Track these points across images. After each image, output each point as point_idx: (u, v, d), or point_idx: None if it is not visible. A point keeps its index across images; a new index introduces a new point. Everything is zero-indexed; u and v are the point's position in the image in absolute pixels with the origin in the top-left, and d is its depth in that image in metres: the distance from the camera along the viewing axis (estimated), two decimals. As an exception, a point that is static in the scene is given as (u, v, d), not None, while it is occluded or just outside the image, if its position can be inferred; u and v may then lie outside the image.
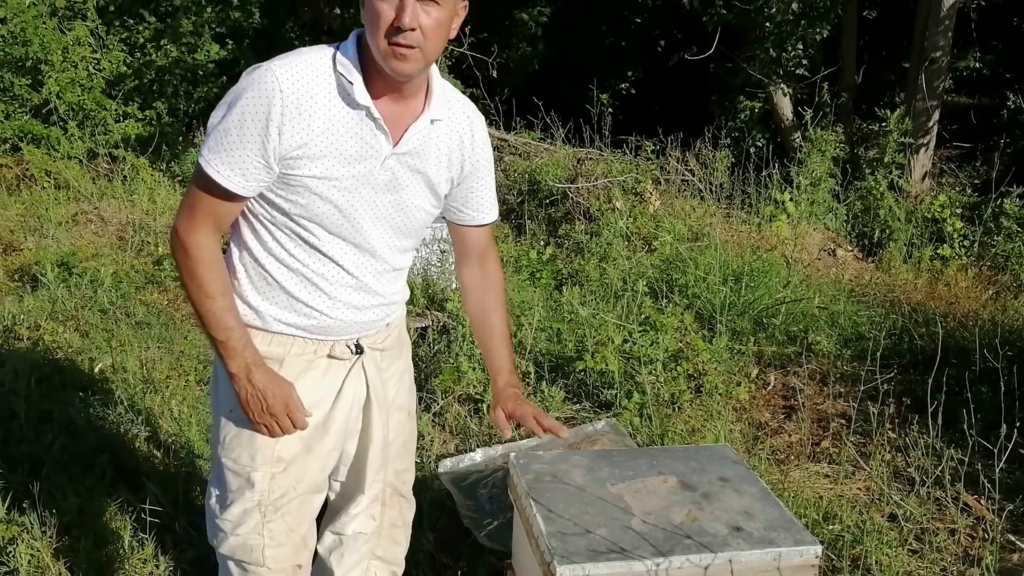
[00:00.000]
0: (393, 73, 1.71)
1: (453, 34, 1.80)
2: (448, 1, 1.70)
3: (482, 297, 2.19)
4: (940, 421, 3.45)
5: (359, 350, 1.98)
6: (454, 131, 1.92)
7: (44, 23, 7.83)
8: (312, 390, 1.92)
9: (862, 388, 3.86)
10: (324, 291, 1.87)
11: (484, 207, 2.08)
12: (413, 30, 1.65)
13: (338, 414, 1.97)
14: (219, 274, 1.82)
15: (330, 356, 1.95)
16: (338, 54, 1.76)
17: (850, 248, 6.53)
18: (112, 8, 8.65)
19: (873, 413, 3.64)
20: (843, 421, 3.92)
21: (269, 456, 1.90)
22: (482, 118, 2.02)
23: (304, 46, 1.81)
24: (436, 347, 4.31)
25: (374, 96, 1.76)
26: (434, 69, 1.87)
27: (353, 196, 1.80)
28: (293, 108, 1.69)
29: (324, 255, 1.84)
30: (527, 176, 6.79)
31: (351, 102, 1.74)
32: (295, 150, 1.72)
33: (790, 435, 3.85)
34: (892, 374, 4.13)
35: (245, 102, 1.70)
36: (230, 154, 1.72)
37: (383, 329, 2.05)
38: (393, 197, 1.86)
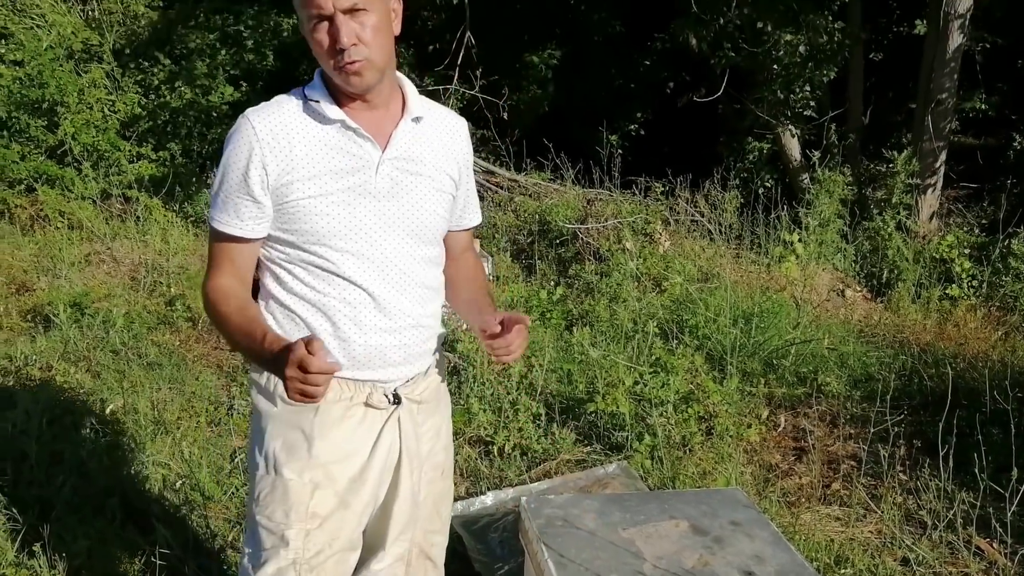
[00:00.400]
0: (354, 88, 1.80)
1: (397, 30, 1.87)
2: (377, 5, 1.77)
3: (456, 273, 2.15)
4: (951, 464, 3.44)
5: (396, 400, 1.95)
6: (441, 129, 1.98)
7: (61, 66, 7.95)
8: (348, 439, 1.90)
9: (872, 430, 3.86)
10: (349, 317, 1.86)
11: (475, 209, 2.15)
12: (355, 45, 1.74)
13: (375, 464, 1.93)
14: (232, 297, 1.85)
15: (367, 404, 1.92)
16: (306, 87, 1.87)
17: (859, 288, 6.54)
18: (128, 51, 8.78)
19: (884, 455, 3.63)
20: (853, 463, 3.90)
21: (303, 512, 1.86)
22: (464, 120, 2.07)
23: (308, 83, 1.90)
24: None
25: (348, 111, 1.83)
26: (403, 77, 1.94)
27: (355, 208, 1.82)
28: (270, 141, 1.79)
29: (342, 278, 1.84)
30: (537, 216, 6.84)
31: (325, 120, 1.82)
32: (284, 176, 1.79)
33: (800, 477, 3.83)
34: (902, 415, 4.12)
35: (228, 152, 1.83)
36: (225, 202, 1.83)
37: (421, 378, 2.01)
38: (398, 203, 1.87)
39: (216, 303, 1.86)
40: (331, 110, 1.81)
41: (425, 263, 1.95)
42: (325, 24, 1.74)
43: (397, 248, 1.88)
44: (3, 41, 8.36)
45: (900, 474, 3.71)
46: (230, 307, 1.84)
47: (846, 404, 4.42)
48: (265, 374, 1.94)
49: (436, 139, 1.96)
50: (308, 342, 1.62)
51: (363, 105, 1.85)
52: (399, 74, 1.93)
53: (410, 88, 1.93)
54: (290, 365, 1.63)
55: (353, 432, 1.91)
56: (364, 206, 1.83)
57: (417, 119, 1.91)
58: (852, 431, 4.16)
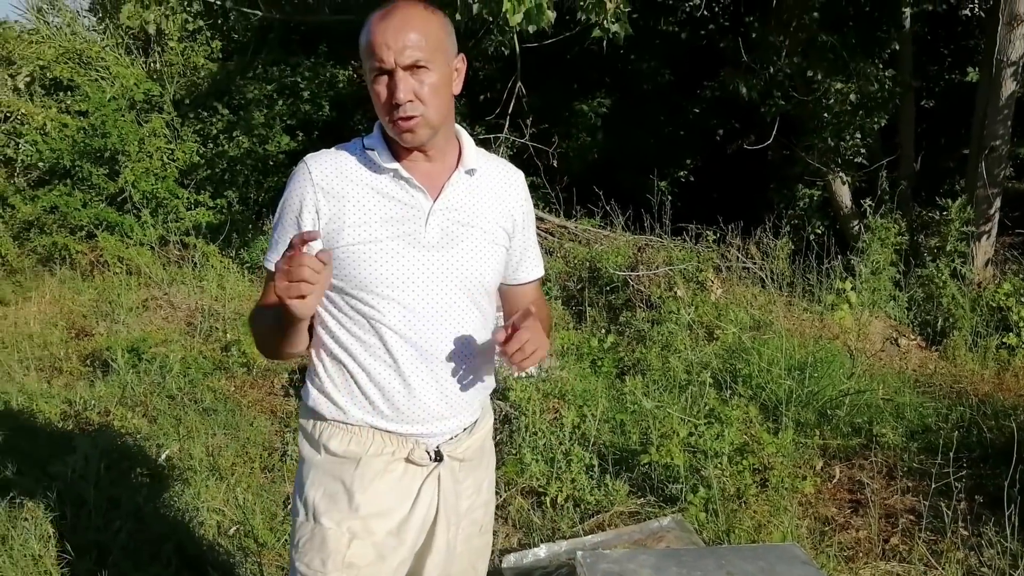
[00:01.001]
0: (406, 143, 1.83)
1: (457, 89, 1.88)
2: (439, 64, 1.79)
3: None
4: (1016, 520, 3.36)
5: (438, 457, 1.95)
6: (496, 182, 1.98)
7: (123, 116, 8.17)
8: (387, 494, 1.91)
9: (932, 484, 3.78)
10: (392, 367, 1.87)
11: (537, 261, 2.13)
12: (411, 101, 1.76)
13: (413, 522, 1.93)
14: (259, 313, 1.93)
15: (408, 460, 1.92)
16: (364, 138, 1.90)
17: (913, 337, 6.43)
18: (187, 101, 8.98)
19: (945, 510, 3.56)
20: (912, 517, 3.82)
21: (340, 561, 1.87)
22: (521, 173, 2.08)
23: (367, 134, 1.93)
24: (498, 437, 4.31)
25: (403, 161, 1.86)
26: (461, 130, 1.96)
27: (403, 257, 1.84)
28: (324, 187, 1.83)
29: (387, 327, 1.85)
30: (587, 263, 6.84)
31: (379, 168, 1.85)
32: (336, 222, 1.82)
33: (858, 531, 3.76)
34: (962, 469, 4.03)
35: (285, 196, 1.88)
36: (277, 242, 1.88)
37: (465, 436, 2.00)
38: (448, 254, 1.87)
39: (252, 315, 1.95)
40: (385, 159, 1.85)
41: (475, 316, 1.95)
42: (385, 78, 1.77)
43: (445, 299, 1.88)
44: (70, 93, 8.65)
45: (962, 530, 3.63)
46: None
47: (903, 456, 4.34)
48: (311, 421, 1.97)
49: (490, 191, 1.96)
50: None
51: (419, 156, 1.87)
52: (457, 127, 1.95)
53: (467, 141, 1.95)
54: (281, 261, 1.65)
55: (392, 488, 1.92)
56: (412, 255, 1.85)
57: (471, 171, 1.93)
58: (910, 484, 4.08)
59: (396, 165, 1.84)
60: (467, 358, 1.94)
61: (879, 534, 3.69)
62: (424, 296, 1.86)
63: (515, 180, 2.04)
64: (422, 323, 1.87)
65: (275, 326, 1.82)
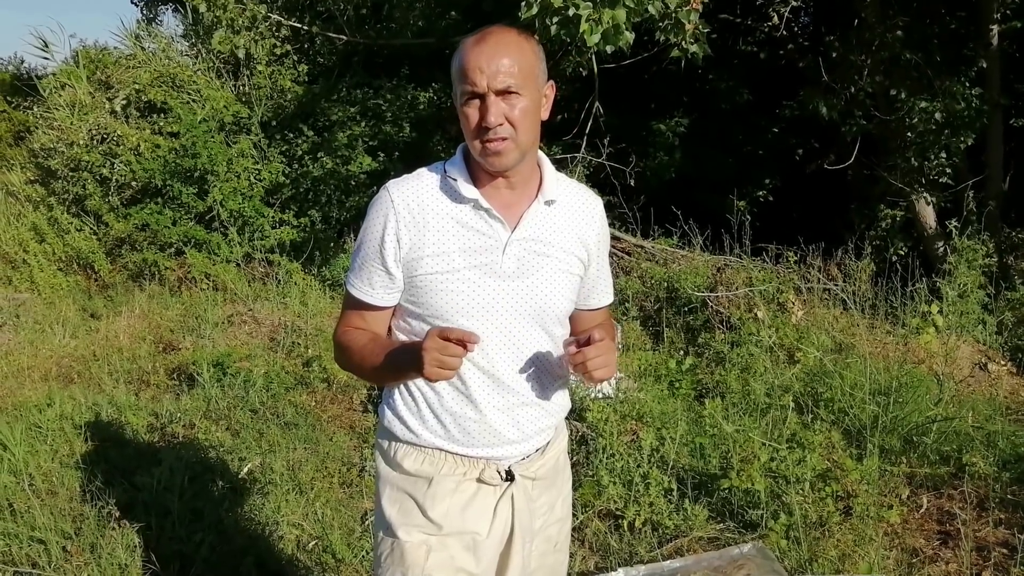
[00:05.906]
0: (492, 168, 1.83)
1: (546, 115, 1.89)
2: (530, 89, 1.80)
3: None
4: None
5: (510, 477, 1.97)
6: (574, 212, 1.98)
7: (212, 137, 8.38)
8: (459, 513, 1.93)
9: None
10: (464, 394, 1.91)
11: (608, 288, 2.15)
12: (501, 125, 1.77)
13: (490, 542, 1.96)
14: (364, 334, 1.95)
15: (479, 480, 1.94)
16: (447, 163, 1.91)
17: (1003, 362, 6.22)
18: (274, 123, 9.15)
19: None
20: (1005, 551, 3.69)
21: (419, 574, 1.90)
22: (600, 201, 2.07)
23: (449, 158, 1.95)
24: (575, 459, 4.29)
25: (484, 190, 1.87)
26: (544, 157, 1.96)
27: (480, 287, 1.86)
28: (406, 215, 1.84)
29: None
30: (665, 283, 6.78)
31: (459, 198, 1.87)
32: (416, 251, 1.85)
33: (947, 564, 3.64)
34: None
35: (367, 223, 1.90)
36: (360, 269, 1.91)
37: (537, 456, 2.03)
38: (523, 283, 1.89)
39: (350, 342, 1.95)
40: (466, 188, 1.86)
41: (547, 343, 1.97)
42: (476, 101, 1.79)
43: (519, 327, 1.91)
44: (163, 115, 8.91)
45: (1059, 565, 3.49)
46: (363, 339, 1.93)
47: (995, 487, 4.19)
48: (386, 439, 2.01)
49: (567, 221, 1.97)
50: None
51: (500, 183, 1.88)
52: (540, 154, 1.96)
53: (548, 169, 1.96)
54: (429, 338, 1.73)
55: (465, 507, 1.94)
56: (490, 285, 1.87)
57: (550, 202, 1.93)
58: (1003, 516, 3.94)
59: (476, 195, 1.86)
60: (539, 386, 1.97)
61: (970, 567, 3.57)
62: (498, 325, 1.89)
63: (593, 208, 2.04)
64: (495, 352, 1.90)
65: (390, 373, 1.92)
